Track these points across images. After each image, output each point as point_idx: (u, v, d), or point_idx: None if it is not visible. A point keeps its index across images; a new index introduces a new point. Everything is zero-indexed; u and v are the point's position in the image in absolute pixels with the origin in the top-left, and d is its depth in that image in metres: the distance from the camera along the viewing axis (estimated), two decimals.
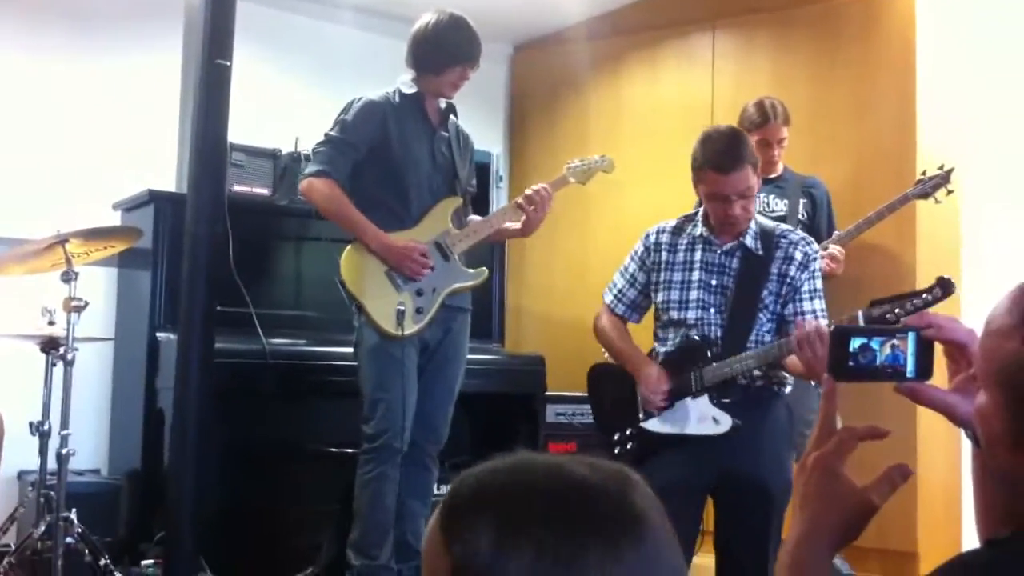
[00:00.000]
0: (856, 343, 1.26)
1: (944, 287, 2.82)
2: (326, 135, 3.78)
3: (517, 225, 3.92)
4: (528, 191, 3.84)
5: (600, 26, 5.87)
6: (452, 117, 3.92)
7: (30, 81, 4.72)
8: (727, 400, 3.06)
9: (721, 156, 3.06)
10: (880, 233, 4.42)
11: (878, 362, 1.25)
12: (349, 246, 3.75)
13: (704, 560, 3.26)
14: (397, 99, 3.80)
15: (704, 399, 3.09)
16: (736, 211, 3.08)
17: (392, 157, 3.74)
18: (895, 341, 1.25)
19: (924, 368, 1.26)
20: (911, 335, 1.25)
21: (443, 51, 3.74)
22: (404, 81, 3.83)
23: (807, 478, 1.24)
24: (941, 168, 4.24)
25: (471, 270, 3.86)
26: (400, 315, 3.60)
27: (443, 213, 3.82)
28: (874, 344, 1.25)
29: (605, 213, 5.61)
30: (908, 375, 1.25)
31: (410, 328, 3.65)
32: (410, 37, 3.81)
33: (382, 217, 3.72)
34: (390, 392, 3.61)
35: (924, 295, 2.80)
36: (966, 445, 1.35)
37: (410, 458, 3.69)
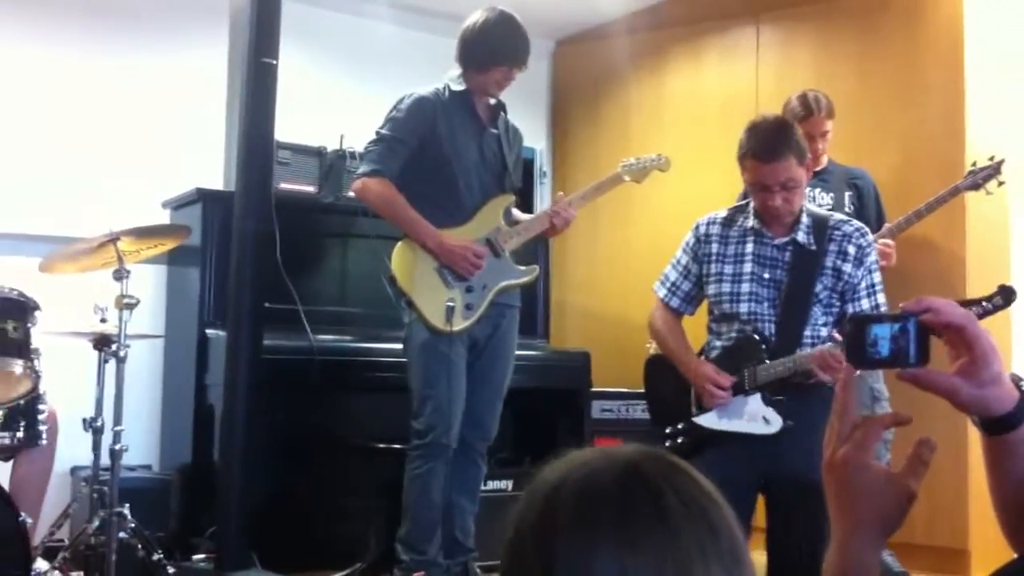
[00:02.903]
0: (872, 331, 1.24)
1: (1005, 295, 2.77)
2: (377, 133, 3.77)
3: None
4: (556, 206, 3.86)
5: (642, 20, 5.85)
6: (502, 113, 3.92)
7: (80, 82, 4.79)
8: (780, 397, 3.04)
9: (763, 145, 3.04)
10: (928, 225, 4.36)
11: (890, 349, 1.24)
12: (400, 243, 3.76)
13: (754, 557, 3.24)
14: (447, 95, 3.80)
15: (756, 397, 3.08)
16: (777, 202, 3.06)
17: (441, 152, 3.74)
18: (901, 327, 1.24)
19: (923, 353, 1.24)
20: (912, 320, 1.24)
21: (489, 49, 3.74)
22: (452, 77, 3.83)
23: (837, 477, 1.21)
24: (992, 159, 4.18)
25: (522, 267, 3.87)
26: (450, 311, 3.61)
27: (495, 210, 3.83)
28: (889, 331, 1.24)
29: (647, 207, 5.58)
30: (911, 361, 1.24)
31: (459, 324, 3.65)
32: (460, 33, 3.81)
33: (431, 212, 3.71)
34: (439, 389, 3.63)
35: (984, 303, 2.74)
36: None
37: (459, 454, 3.71)
